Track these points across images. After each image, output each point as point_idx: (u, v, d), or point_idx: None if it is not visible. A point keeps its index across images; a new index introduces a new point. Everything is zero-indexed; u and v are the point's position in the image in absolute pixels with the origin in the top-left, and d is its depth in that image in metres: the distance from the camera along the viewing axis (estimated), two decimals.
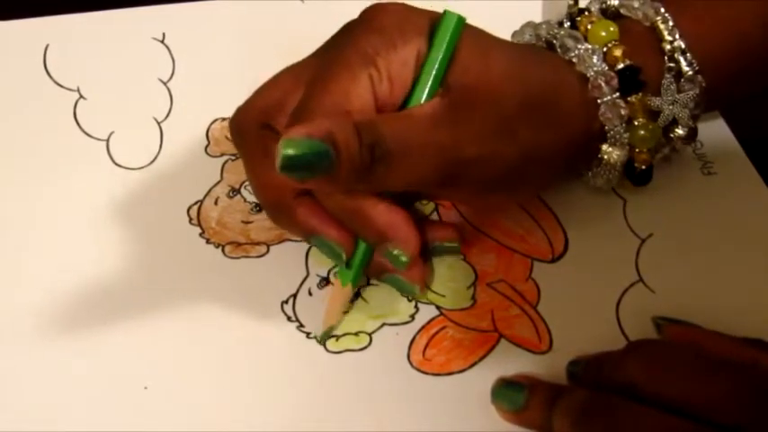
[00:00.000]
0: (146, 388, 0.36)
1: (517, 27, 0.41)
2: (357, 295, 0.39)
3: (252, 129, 0.36)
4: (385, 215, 0.35)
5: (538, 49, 0.39)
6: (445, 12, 0.35)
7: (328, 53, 0.36)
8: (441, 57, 0.35)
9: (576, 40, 0.38)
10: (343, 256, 0.37)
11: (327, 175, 0.33)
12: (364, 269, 0.38)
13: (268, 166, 0.34)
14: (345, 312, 0.39)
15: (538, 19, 0.41)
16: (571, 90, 0.37)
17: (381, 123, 0.34)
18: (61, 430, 0.35)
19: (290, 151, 0.32)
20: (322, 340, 0.38)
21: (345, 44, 0.35)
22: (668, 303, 0.39)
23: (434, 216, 0.42)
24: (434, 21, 0.35)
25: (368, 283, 0.40)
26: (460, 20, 0.35)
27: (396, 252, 0.35)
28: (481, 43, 0.36)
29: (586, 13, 0.39)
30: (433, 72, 0.35)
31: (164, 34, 0.49)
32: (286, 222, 0.38)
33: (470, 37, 0.36)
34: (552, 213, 0.42)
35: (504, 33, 0.39)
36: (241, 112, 0.37)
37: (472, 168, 0.35)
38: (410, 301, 0.39)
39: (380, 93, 0.34)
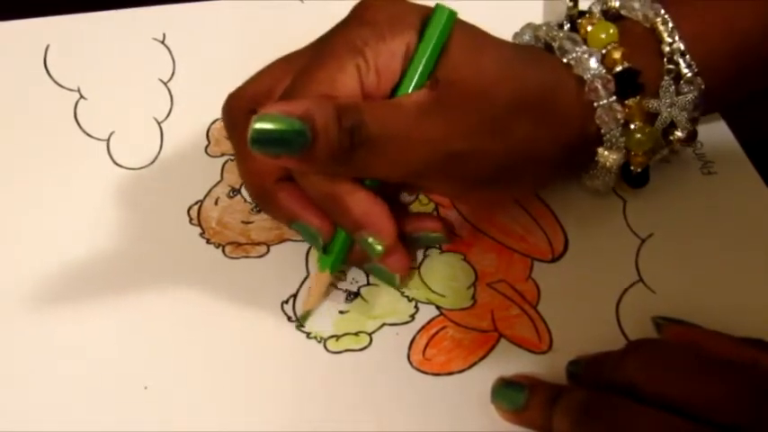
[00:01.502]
0: (146, 388, 0.37)
1: (517, 28, 0.41)
2: (357, 295, 0.39)
3: (240, 114, 0.37)
4: (362, 204, 0.35)
5: (535, 49, 0.39)
6: (437, 5, 0.35)
7: (319, 45, 0.36)
8: (430, 50, 0.35)
9: (575, 42, 0.38)
10: (321, 242, 0.37)
11: (304, 155, 0.33)
12: (345, 256, 0.38)
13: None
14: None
15: (538, 20, 0.41)
16: (568, 92, 0.37)
17: (364, 108, 0.34)
18: (61, 430, 0.35)
19: (263, 125, 0.32)
20: (301, 323, 0.38)
21: (336, 36, 0.35)
22: (668, 303, 0.39)
23: None
24: (426, 16, 0.35)
25: (368, 284, 0.40)
26: (452, 14, 0.35)
27: (371, 240, 0.36)
28: (474, 41, 0.36)
29: (587, 15, 0.39)
30: (422, 64, 0.35)
31: (164, 35, 0.49)
32: (269, 208, 0.38)
33: (464, 34, 0.36)
34: (552, 213, 0.42)
35: (504, 34, 0.39)
36: (232, 98, 0.38)
37: (462, 163, 0.35)
38: (410, 301, 0.39)
39: (367, 84, 0.35)
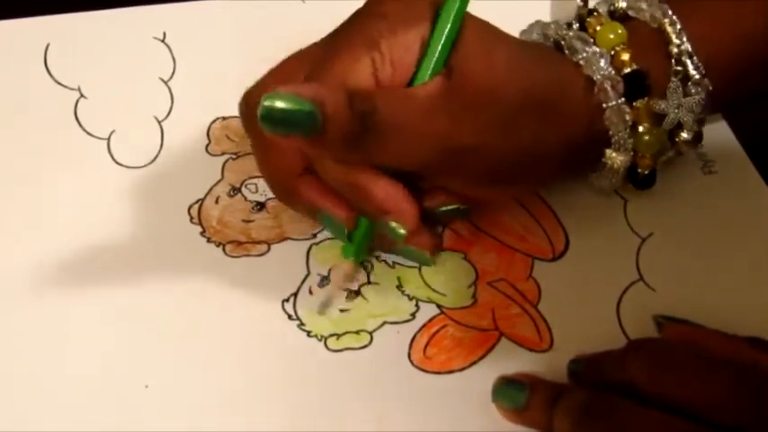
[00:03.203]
0: (147, 387, 0.36)
1: (525, 26, 0.41)
2: (357, 293, 0.39)
3: (256, 111, 0.37)
4: (384, 189, 0.35)
5: (545, 48, 0.39)
6: None
7: (333, 38, 0.36)
8: (443, 38, 0.35)
9: (585, 42, 0.38)
10: (345, 231, 0.37)
11: (314, 137, 0.33)
12: (367, 244, 0.38)
13: (273, 146, 0.35)
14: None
15: (546, 17, 0.41)
16: (576, 92, 0.37)
17: (376, 95, 0.34)
18: (62, 430, 0.35)
19: (271, 103, 0.32)
20: (320, 312, 0.39)
21: (350, 29, 0.36)
22: (668, 302, 0.39)
23: None
24: (439, 6, 0.35)
25: (368, 282, 0.40)
26: (464, 1, 0.35)
27: (393, 225, 0.36)
28: (488, 36, 0.36)
29: (595, 14, 0.39)
30: (436, 53, 0.35)
31: (164, 33, 0.49)
32: (292, 201, 0.39)
33: (476, 28, 0.36)
34: (553, 212, 0.42)
35: (512, 32, 0.39)
36: (248, 95, 0.38)
37: (469, 158, 0.35)
38: (411, 299, 0.39)
39: (382, 76, 0.35)
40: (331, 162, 0.36)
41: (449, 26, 0.35)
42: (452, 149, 0.35)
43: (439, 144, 0.35)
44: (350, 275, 0.39)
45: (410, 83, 0.35)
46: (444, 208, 0.39)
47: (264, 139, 0.36)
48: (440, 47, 0.35)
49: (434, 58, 0.35)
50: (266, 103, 0.32)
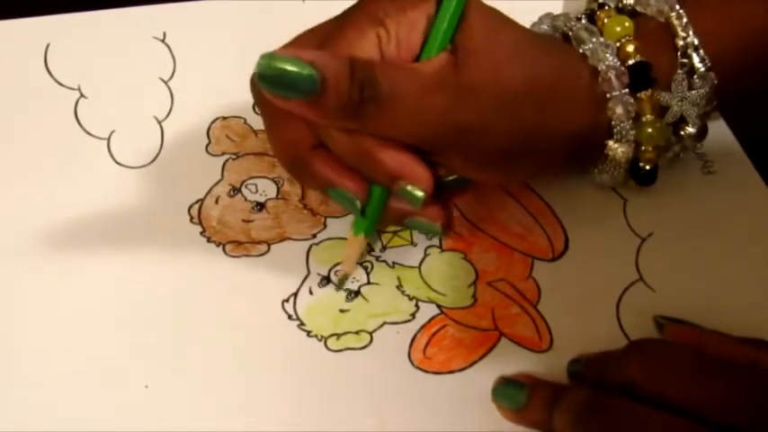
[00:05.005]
0: (146, 387, 0.37)
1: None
2: (357, 293, 0.40)
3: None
4: (395, 155, 0.36)
5: (551, 38, 0.39)
6: None
7: (342, 17, 0.37)
8: (449, 16, 0.35)
9: (591, 33, 0.38)
10: (358, 205, 0.37)
11: (311, 101, 0.33)
12: (377, 219, 0.38)
13: (285, 120, 0.35)
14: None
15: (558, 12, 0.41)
16: (580, 82, 0.37)
17: (378, 66, 0.34)
18: (62, 430, 0.35)
19: (270, 61, 0.33)
20: (339, 286, 0.40)
21: (358, 8, 0.36)
22: (668, 302, 0.39)
23: None
24: None
25: (368, 282, 0.40)
26: None
27: (409, 188, 0.36)
28: (493, 18, 0.36)
29: (606, 7, 0.40)
30: (442, 30, 0.35)
31: (164, 33, 0.49)
32: (303, 176, 0.39)
33: (482, 11, 0.36)
34: (552, 212, 0.42)
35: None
36: None
37: (469, 136, 0.35)
38: (411, 300, 0.39)
39: (388, 54, 0.35)
40: (338, 133, 0.36)
41: (454, 3, 0.35)
42: (453, 126, 0.35)
43: (439, 120, 0.35)
44: (363, 250, 0.40)
45: (416, 60, 0.36)
46: (450, 177, 0.39)
47: (276, 111, 0.36)
48: (445, 24, 0.35)
49: (440, 36, 0.35)
50: (263, 61, 0.33)
